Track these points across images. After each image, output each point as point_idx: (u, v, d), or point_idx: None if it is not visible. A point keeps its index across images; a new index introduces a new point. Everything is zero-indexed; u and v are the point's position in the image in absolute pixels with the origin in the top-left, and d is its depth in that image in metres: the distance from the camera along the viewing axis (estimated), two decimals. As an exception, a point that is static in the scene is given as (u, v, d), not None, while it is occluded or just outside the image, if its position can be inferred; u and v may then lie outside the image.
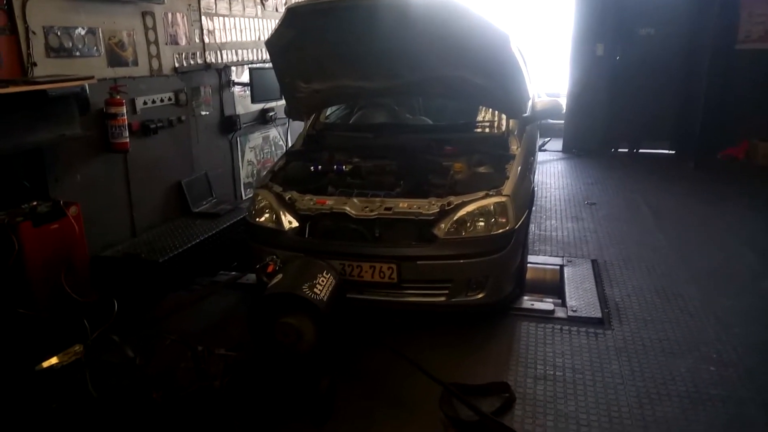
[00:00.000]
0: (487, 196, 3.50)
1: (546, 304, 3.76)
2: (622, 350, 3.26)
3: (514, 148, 4.09)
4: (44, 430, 2.69)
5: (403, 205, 3.52)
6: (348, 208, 3.53)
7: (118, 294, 3.92)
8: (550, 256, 4.63)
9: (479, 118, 4.51)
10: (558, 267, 4.42)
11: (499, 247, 3.43)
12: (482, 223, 3.43)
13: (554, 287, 4.27)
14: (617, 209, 5.84)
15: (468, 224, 3.43)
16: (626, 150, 8.56)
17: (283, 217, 3.68)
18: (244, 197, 6.17)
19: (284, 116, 5.23)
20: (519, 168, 3.86)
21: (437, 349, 3.29)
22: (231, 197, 5.89)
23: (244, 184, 6.24)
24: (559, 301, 3.90)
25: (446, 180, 3.84)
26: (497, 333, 3.48)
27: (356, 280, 3.45)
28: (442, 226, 3.41)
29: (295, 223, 3.64)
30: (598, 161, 8.00)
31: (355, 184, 3.93)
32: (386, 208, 3.51)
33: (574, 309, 3.72)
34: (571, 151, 8.50)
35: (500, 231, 3.42)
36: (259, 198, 3.85)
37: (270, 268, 3.53)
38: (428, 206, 3.47)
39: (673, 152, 8.27)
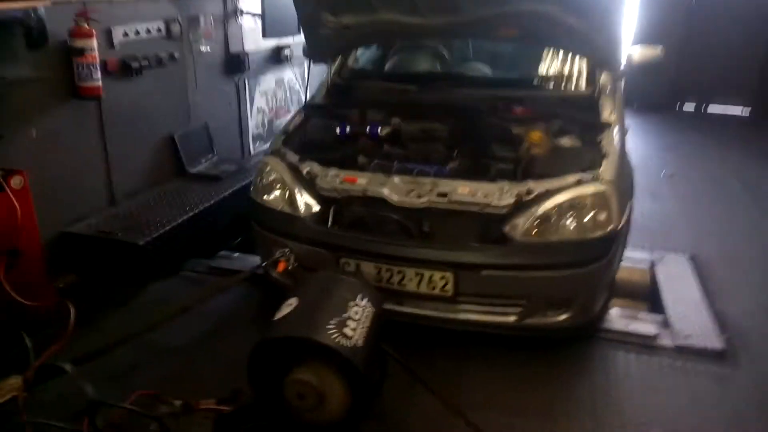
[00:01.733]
0: (580, 182, 2.52)
1: (645, 325, 2.83)
2: (765, 405, 2.36)
3: (607, 113, 3.06)
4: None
5: (463, 190, 2.56)
6: (387, 192, 2.59)
7: (85, 286, 3.09)
8: (634, 248, 3.65)
9: (557, 70, 3.44)
10: (647, 265, 3.47)
11: (597, 256, 2.48)
12: (573, 222, 2.47)
13: (643, 292, 3.35)
14: (703, 184, 4.81)
15: (554, 222, 2.47)
16: (692, 108, 7.46)
17: (298, 197, 2.74)
18: (252, 152, 5.21)
19: (303, 56, 4.21)
20: (618, 141, 2.86)
21: (499, 392, 2.42)
22: (237, 153, 4.93)
23: (252, 136, 5.26)
24: (660, 318, 2.96)
25: (520, 154, 2.85)
26: (584, 368, 2.59)
27: (395, 290, 2.55)
28: (519, 223, 2.46)
29: (316, 207, 2.71)
30: (664, 120, 6.90)
31: (394, 154, 2.96)
32: (439, 194, 2.55)
33: (685, 334, 2.79)
34: (631, 105, 7.35)
35: (599, 233, 2.46)
36: (268, 169, 2.90)
37: (281, 266, 2.64)
38: (499, 194, 2.51)
39: (748, 114, 7.11)
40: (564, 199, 2.47)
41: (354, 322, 1.86)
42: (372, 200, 2.62)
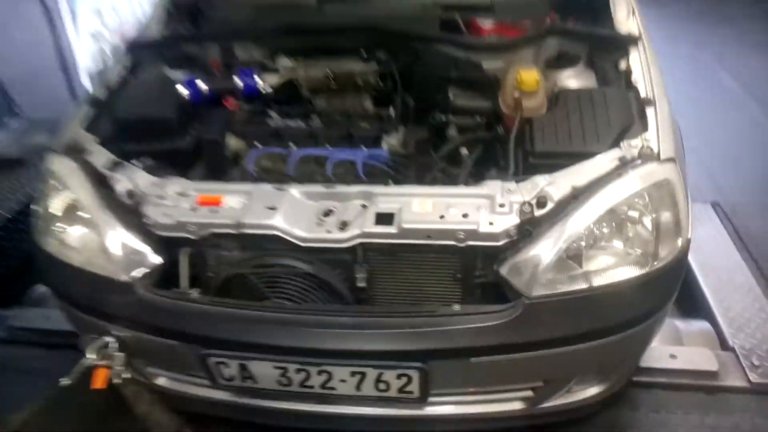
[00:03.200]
0: (623, 164, 1.40)
1: (698, 354, 1.87)
2: None
3: (624, 16, 1.90)
4: None
5: (422, 205, 1.37)
6: (282, 223, 1.36)
7: None
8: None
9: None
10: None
11: (663, 297, 1.43)
12: (623, 244, 1.37)
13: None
14: (695, 89, 3.80)
15: (590, 252, 1.36)
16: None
17: (113, 238, 1.46)
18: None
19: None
20: (657, 70, 1.73)
21: None
22: (61, 108, 3.38)
23: (89, 76, 3.70)
24: (706, 328, 2.01)
25: (504, 113, 1.66)
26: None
27: (316, 393, 1.42)
28: (529, 262, 1.32)
29: (152, 257, 1.45)
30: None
31: (287, 130, 1.69)
32: (379, 216, 1.36)
33: (754, 360, 1.87)
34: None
35: (666, 257, 1.37)
36: (54, 185, 1.57)
37: (99, 379, 1.44)
38: (489, 209, 1.35)
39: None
40: (604, 206, 1.35)
41: None
42: (253, 239, 1.40)
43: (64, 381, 1.43)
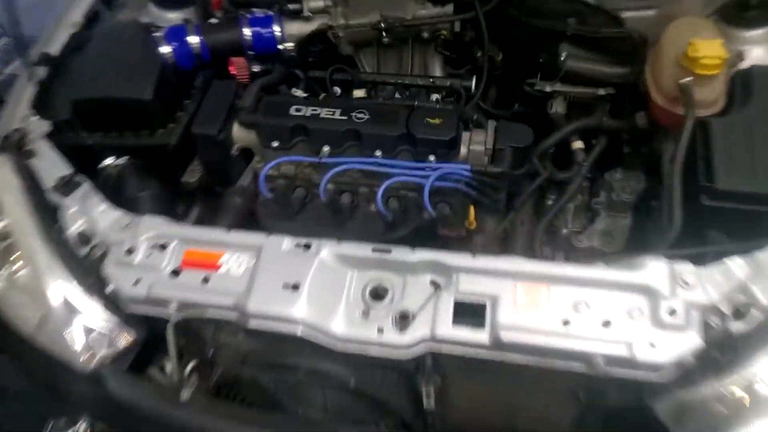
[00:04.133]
0: None
1: None
2: None
3: None
4: None
5: (531, 294, 0.84)
6: (305, 313, 0.87)
7: None
8: None
9: None
10: None
11: None
12: None
13: None
14: None
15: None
16: None
17: (60, 303, 0.99)
18: None
19: None
20: None
21: None
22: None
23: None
24: None
25: (662, 102, 1.05)
26: None
27: None
28: (714, 407, 0.80)
29: (122, 333, 0.99)
30: None
31: (321, 128, 1.11)
32: (461, 308, 0.84)
33: None
34: None
35: None
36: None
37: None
38: (648, 314, 0.81)
39: None
40: None
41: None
42: (269, 339, 0.92)
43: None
